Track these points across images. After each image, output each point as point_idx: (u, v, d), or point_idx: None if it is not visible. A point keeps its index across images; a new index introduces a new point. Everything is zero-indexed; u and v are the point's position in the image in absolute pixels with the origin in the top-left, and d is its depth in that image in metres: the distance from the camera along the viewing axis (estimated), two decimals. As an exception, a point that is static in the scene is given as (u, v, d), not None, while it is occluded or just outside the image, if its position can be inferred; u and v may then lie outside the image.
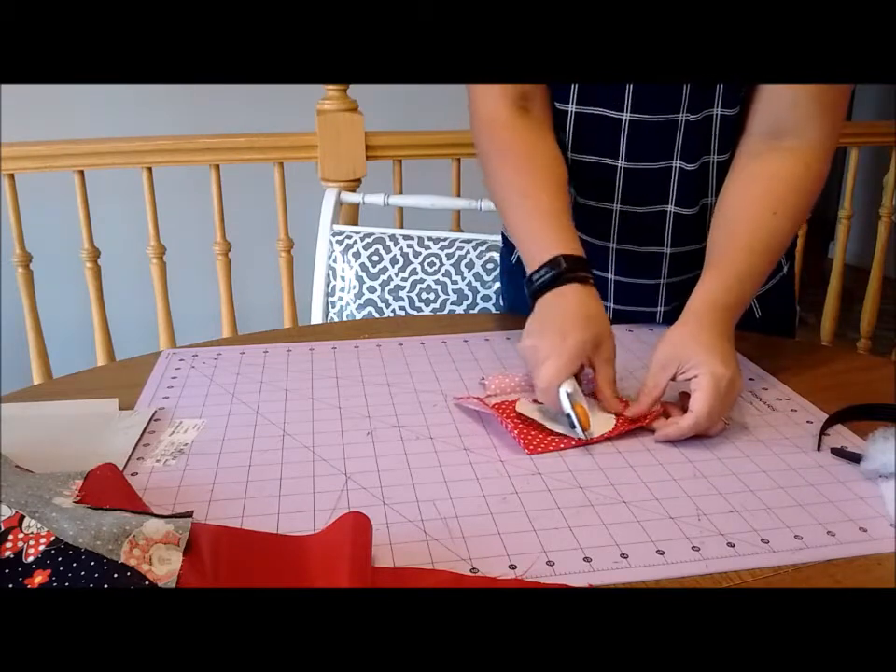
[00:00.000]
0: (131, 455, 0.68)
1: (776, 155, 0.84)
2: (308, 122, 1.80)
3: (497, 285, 1.35)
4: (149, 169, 1.75)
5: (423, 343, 0.96)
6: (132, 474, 0.66)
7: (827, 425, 0.74)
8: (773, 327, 1.02)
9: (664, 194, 0.93)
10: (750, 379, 0.85)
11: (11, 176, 1.71)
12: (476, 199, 1.53)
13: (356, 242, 1.44)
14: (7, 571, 0.48)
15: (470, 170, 1.83)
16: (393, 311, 1.41)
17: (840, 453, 0.70)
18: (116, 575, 0.48)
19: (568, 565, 0.55)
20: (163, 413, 0.77)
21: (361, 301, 1.42)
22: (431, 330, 1.00)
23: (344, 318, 1.43)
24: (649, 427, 0.73)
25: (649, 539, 0.58)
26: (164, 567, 0.49)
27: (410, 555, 0.55)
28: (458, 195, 1.83)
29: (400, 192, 1.81)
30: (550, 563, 0.55)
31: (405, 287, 1.41)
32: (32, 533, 0.50)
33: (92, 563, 0.48)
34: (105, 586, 0.47)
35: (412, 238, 1.43)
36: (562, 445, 0.71)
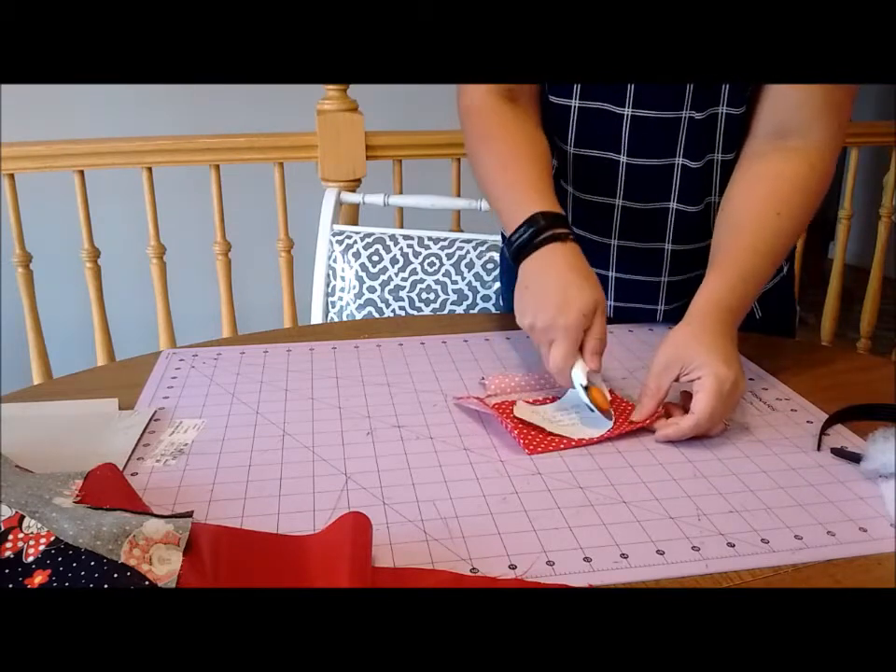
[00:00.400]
0: (131, 455, 0.68)
1: (780, 155, 0.84)
2: (308, 122, 1.80)
3: (497, 285, 1.35)
4: (149, 169, 1.75)
5: (423, 343, 0.96)
6: (132, 474, 0.66)
7: (827, 425, 0.74)
8: (773, 327, 1.02)
9: (666, 191, 0.93)
10: (750, 379, 0.85)
11: (11, 176, 1.71)
12: (476, 199, 1.53)
13: (356, 242, 1.44)
14: (7, 571, 0.48)
15: (470, 170, 1.83)
16: (393, 311, 1.41)
17: (840, 453, 0.69)
18: (116, 575, 0.48)
19: (568, 565, 0.55)
20: (163, 412, 0.77)
21: (361, 301, 1.42)
22: (431, 330, 1.00)
23: (344, 318, 1.43)
24: (649, 428, 0.73)
25: (649, 539, 0.58)
26: (164, 567, 0.49)
27: (410, 555, 0.55)
28: (458, 195, 1.83)
29: (400, 192, 1.81)
30: (550, 563, 0.55)
31: (405, 286, 1.41)
32: (32, 533, 0.50)
33: (92, 563, 0.48)
34: (105, 586, 0.47)
35: (412, 238, 1.43)
36: (562, 445, 0.71)
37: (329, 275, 1.46)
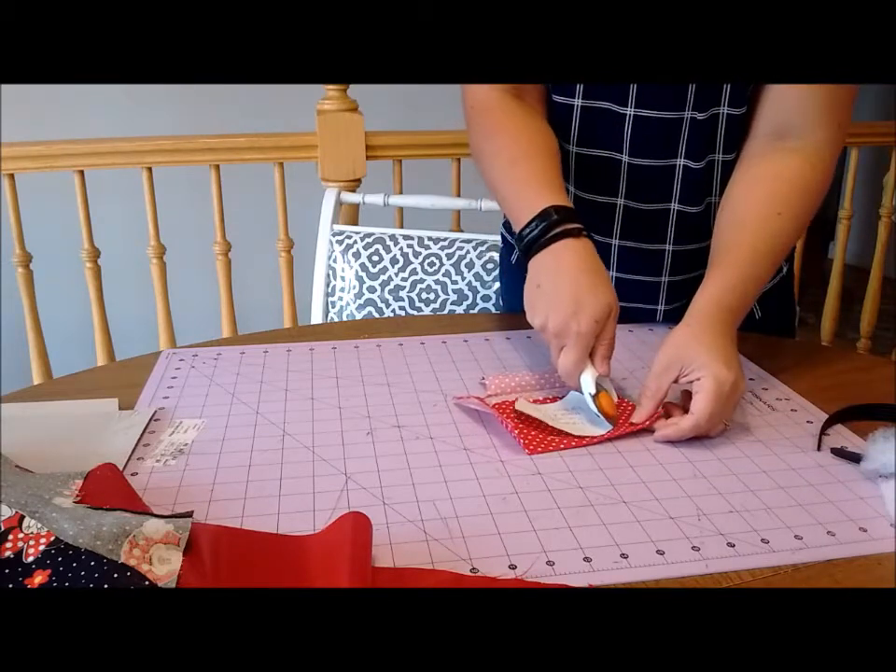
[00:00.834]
0: (131, 455, 0.68)
1: (781, 156, 0.84)
2: (308, 122, 1.80)
3: (497, 285, 1.35)
4: (149, 169, 1.75)
5: (423, 343, 0.96)
6: (132, 474, 0.66)
7: (827, 425, 0.74)
8: (773, 327, 1.02)
9: (668, 192, 0.93)
10: (751, 379, 0.85)
11: (11, 176, 1.71)
12: (476, 199, 1.53)
13: (356, 242, 1.44)
14: (7, 571, 0.48)
15: (471, 170, 1.82)
16: (393, 311, 1.41)
17: (840, 453, 0.69)
18: (116, 575, 0.48)
19: (568, 565, 0.55)
20: (163, 412, 0.77)
21: (361, 301, 1.42)
22: (431, 330, 1.00)
23: (344, 318, 1.43)
24: (649, 428, 0.73)
25: (649, 539, 0.58)
26: (164, 567, 0.49)
27: (410, 555, 0.55)
28: (458, 195, 1.83)
29: (400, 192, 1.81)
30: (550, 563, 0.55)
31: (405, 287, 1.41)
32: (32, 533, 0.50)
33: (92, 563, 0.48)
34: (105, 586, 0.47)
35: (412, 238, 1.43)
36: (562, 445, 0.71)
37: (328, 275, 1.46)
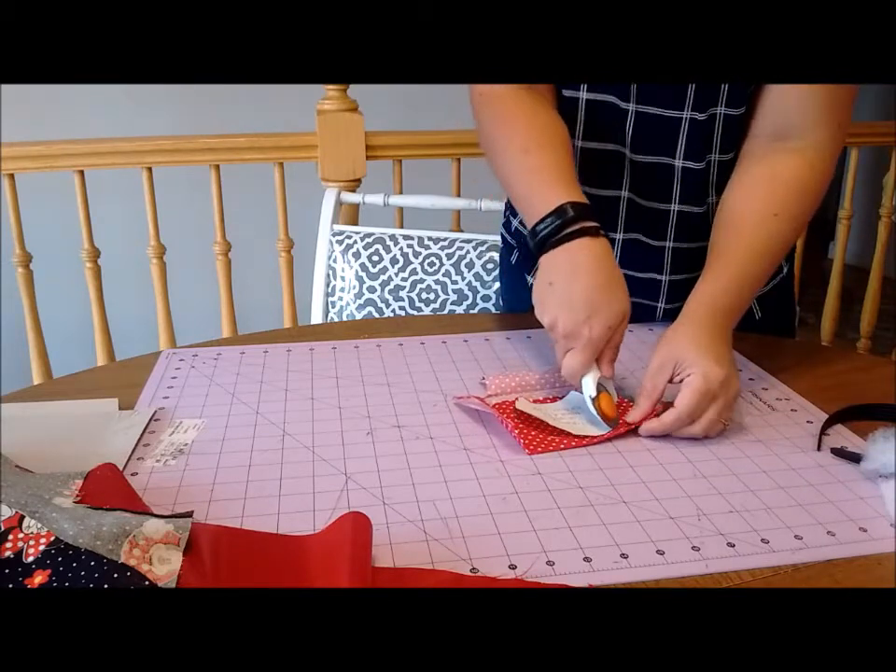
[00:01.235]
0: (131, 455, 0.68)
1: (779, 157, 0.84)
2: (308, 122, 1.79)
3: (497, 285, 1.35)
4: (149, 169, 1.75)
5: (423, 343, 0.96)
6: (132, 474, 0.66)
7: (827, 425, 0.74)
8: (772, 327, 1.02)
9: (668, 190, 0.93)
10: (750, 379, 0.85)
11: (11, 176, 1.71)
12: (476, 199, 1.53)
13: (356, 242, 1.44)
14: (7, 571, 0.48)
15: (470, 170, 1.82)
16: (393, 311, 1.41)
17: (840, 453, 0.69)
18: (116, 575, 0.48)
19: (568, 565, 0.55)
20: (163, 412, 0.77)
21: (361, 301, 1.42)
22: (431, 330, 1.00)
23: (344, 318, 1.43)
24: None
25: (649, 539, 0.58)
26: (164, 567, 0.49)
27: (410, 555, 0.55)
28: (458, 195, 1.83)
29: (400, 192, 1.81)
30: (550, 563, 0.55)
31: (405, 286, 1.41)
32: (32, 533, 0.50)
33: (92, 563, 0.48)
34: (105, 586, 0.47)
35: (412, 238, 1.43)
36: (562, 445, 0.71)
37: (329, 275, 1.46)
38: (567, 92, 0.92)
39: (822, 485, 0.65)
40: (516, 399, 0.78)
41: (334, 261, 1.45)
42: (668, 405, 0.75)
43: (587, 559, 0.55)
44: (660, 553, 0.56)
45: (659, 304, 1.00)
